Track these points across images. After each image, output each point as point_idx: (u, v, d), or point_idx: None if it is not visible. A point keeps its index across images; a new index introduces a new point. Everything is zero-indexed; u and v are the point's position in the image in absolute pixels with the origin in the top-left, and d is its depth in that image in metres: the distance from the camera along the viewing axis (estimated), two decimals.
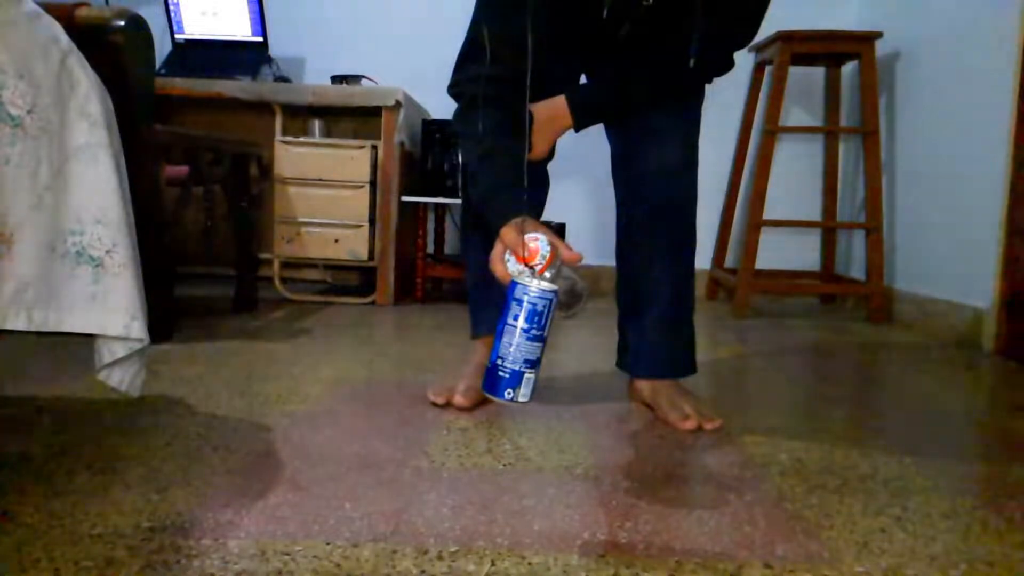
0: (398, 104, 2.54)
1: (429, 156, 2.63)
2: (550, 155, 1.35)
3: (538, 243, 1.07)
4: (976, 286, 2.17)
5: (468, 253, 1.46)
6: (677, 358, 1.39)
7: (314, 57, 3.11)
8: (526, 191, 1.13)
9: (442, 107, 2.83)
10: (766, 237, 2.75)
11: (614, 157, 1.44)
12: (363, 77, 2.76)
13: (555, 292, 1.02)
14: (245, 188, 2.33)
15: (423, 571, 0.77)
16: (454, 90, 1.30)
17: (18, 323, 1.06)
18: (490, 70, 1.21)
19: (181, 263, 2.33)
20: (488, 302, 1.39)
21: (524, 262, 1.07)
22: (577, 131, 1.31)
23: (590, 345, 2.03)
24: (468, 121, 1.24)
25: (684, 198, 1.38)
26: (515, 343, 1.01)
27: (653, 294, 1.38)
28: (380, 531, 0.85)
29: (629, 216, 1.41)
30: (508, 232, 1.11)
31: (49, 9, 1.13)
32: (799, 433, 1.29)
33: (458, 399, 1.35)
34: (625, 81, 1.29)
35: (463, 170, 1.44)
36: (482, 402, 1.35)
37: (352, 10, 3.14)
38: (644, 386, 1.39)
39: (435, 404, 1.36)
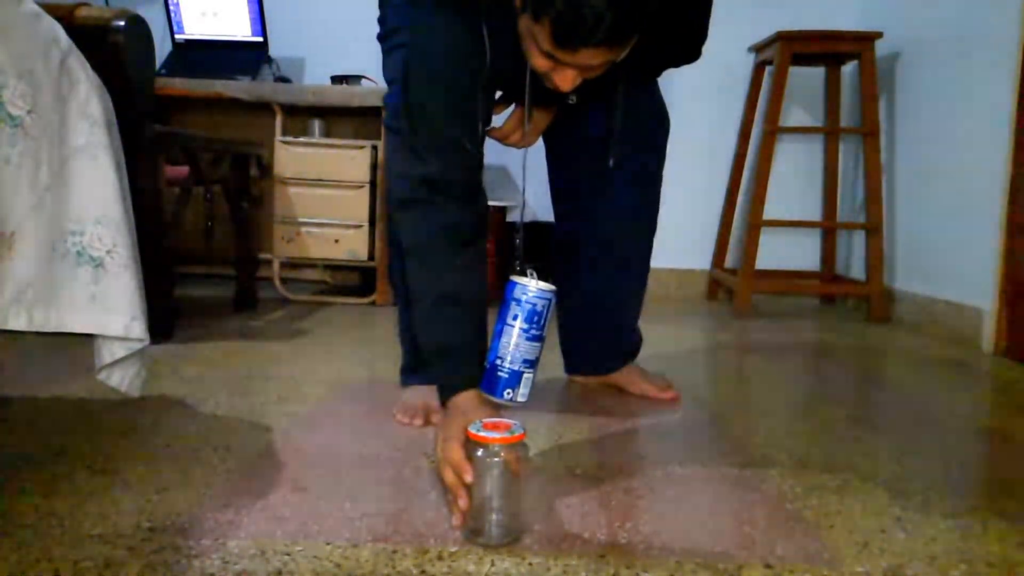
0: None
1: None
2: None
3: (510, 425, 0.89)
4: (976, 286, 2.17)
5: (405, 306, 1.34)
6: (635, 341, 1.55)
7: (314, 57, 3.11)
8: (482, 350, 1.06)
9: None
10: (766, 237, 2.75)
11: (560, 165, 1.47)
12: (363, 77, 2.76)
13: (554, 292, 1.02)
14: (245, 188, 2.33)
15: (423, 571, 0.77)
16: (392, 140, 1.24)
17: (19, 323, 1.06)
18: (427, 172, 1.10)
19: (181, 263, 2.33)
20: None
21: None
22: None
23: None
24: (413, 222, 1.14)
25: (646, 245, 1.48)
26: (514, 343, 1.01)
27: (611, 302, 1.47)
28: (380, 531, 0.85)
29: (584, 242, 1.46)
30: (454, 448, 0.91)
31: (49, 9, 1.13)
32: (799, 433, 1.29)
33: (437, 418, 1.19)
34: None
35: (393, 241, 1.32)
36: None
37: (352, 10, 3.13)
38: (619, 375, 1.50)
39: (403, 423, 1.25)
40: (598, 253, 1.45)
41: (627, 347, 1.54)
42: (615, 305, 1.50)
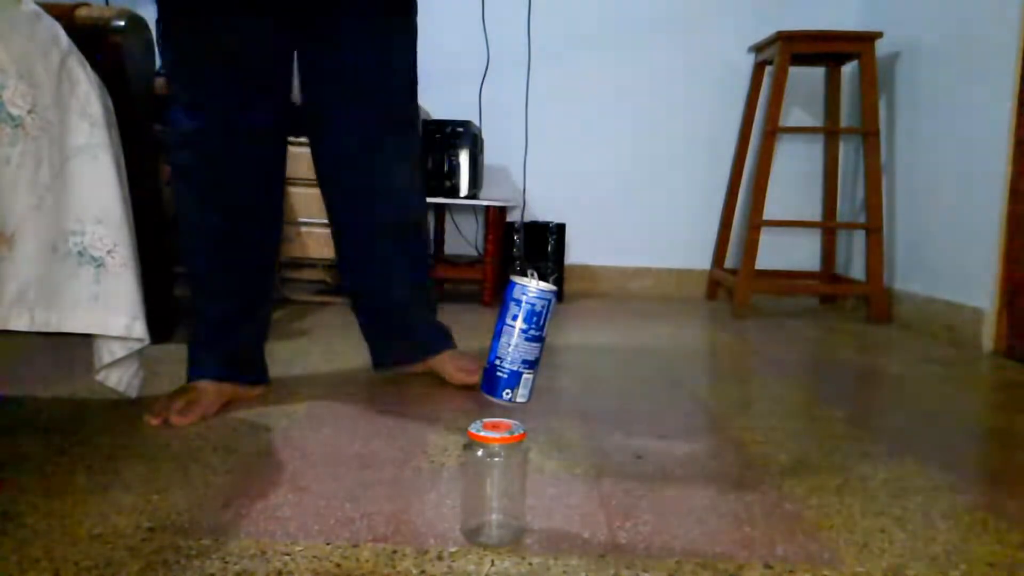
0: None
1: (429, 156, 2.63)
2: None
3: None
4: (976, 286, 2.17)
5: (196, 254, 1.34)
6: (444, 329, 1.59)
7: None
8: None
9: (442, 107, 2.83)
10: (766, 237, 2.75)
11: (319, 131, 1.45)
12: None
13: (554, 292, 1.02)
14: None
15: (423, 571, 0.77)
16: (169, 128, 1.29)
17: (20, 323, 1.06)
18: (195, 124, 1.24)
19: (181, 263, 2.33)
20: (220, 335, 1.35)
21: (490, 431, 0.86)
22: None
23: (590, 344, 2.03)
24: (184, 193, 1.29)
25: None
26: (514, 343, 1.00)
27: (402, 291, 1.52)
28: (380, 531, 0.85)
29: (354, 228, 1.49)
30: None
31: (49, 9, 1.13)
32: (799, 433, 1.29)
33: (175, 419, 1.21)
34: None
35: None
36: (481, 403, 1.35)
37: None
38: (435, 361, 1.54)
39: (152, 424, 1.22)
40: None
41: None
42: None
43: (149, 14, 1.98)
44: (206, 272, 1.33)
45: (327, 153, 1.43)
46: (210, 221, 1.30)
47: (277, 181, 1.39)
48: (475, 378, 1.44)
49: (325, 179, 1.46)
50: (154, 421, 1.21)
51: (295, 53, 1.35)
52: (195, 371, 1.32)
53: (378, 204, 1.44)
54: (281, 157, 1.38)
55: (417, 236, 1.52)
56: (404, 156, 1.45)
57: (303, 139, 2.57)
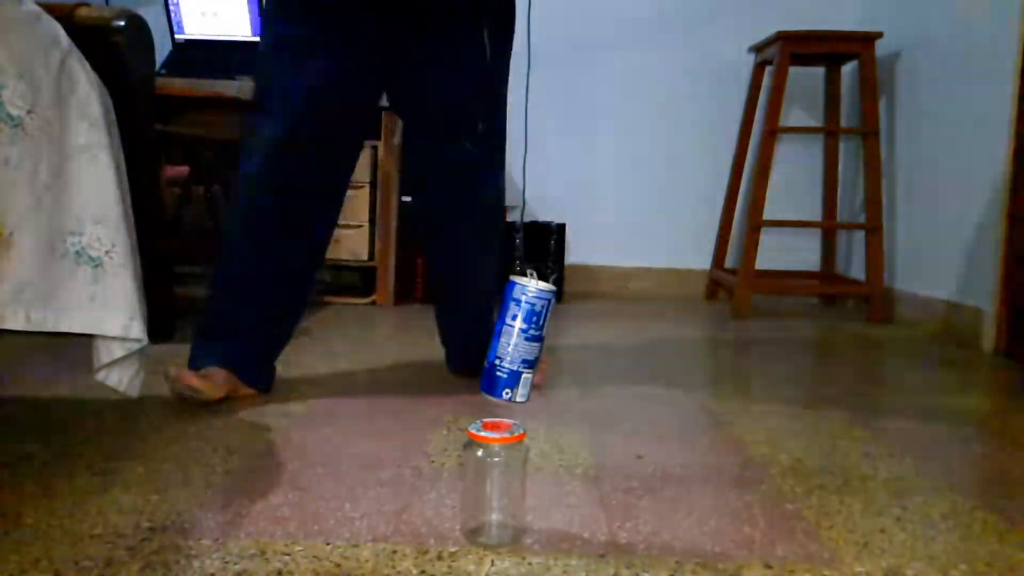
0: None
1: None
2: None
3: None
4: (976, 286, 2.17)
5: (232, 261, 1.38)
6: None
7: None
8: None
9: None
10: (766, 237, 2.75)
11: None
12: None
13: (553, 292, 1.02)
14: None
15: (423, 571, 0.77)
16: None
17: (17, 323, 1.06)
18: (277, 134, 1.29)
19: (181, 263, 2.33)
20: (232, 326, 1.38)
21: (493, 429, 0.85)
22: None
23: (591, 344, 2.03)
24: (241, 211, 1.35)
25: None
26: (513, 343, 1.00)
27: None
28: (380, 531, 0.85)
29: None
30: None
31: (49, 9, 1.13)
32: (799, 433, 1.29)
33: (196, 380, 1.28)
34: None
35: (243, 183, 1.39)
36: (481, 403, 1.35)
37: None
38: None
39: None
40: None
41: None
42: None
43: (149, 14, 1.98)
44: (251, 273, 1.36)
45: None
46: (268, 226, 1.34)
47: (339, 200, 1.42)
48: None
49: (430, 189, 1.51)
50: (173, 371, 1.28)
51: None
52: (205, 357, 1.35)
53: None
54: (349, 174, 1.42)
55: (494, 247, 1.57)
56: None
57: None
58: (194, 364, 1.34)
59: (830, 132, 2.97)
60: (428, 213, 1.51)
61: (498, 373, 1.02)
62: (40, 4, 1.12)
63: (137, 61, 1.69)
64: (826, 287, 2.95)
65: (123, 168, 1.20)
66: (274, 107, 1.30)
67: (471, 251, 1.52)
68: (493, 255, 1.57)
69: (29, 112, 1.04)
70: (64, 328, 1.10)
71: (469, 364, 1.53)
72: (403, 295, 2.72)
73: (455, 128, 1.39)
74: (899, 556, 0.84)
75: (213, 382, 1.30)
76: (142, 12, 1.75)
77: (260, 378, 1.40)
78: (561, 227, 2.77)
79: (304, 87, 1.28)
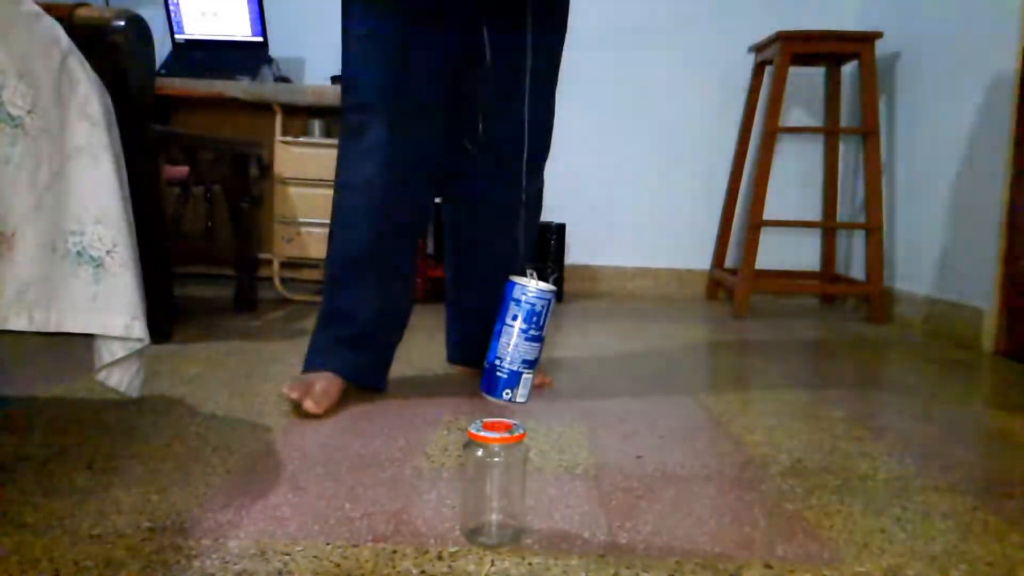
0: None
1: None
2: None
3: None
4: (976, 286, 2.17)
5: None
6: None
7: (314, 57, 3.11)
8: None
9: None
10: (766, 237, 2.75)
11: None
12: None
13: (553, 292, 1.02)
14: (245, 188, 2.33)
15: (423, 571, 0.77)
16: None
17: (19, 323, 1.06)
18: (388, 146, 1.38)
19: (181, 263, 2.33)
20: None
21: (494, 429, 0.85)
22: None
23: (590, 344, 2.03)
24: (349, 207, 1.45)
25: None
26: (513, 343, 1.01)
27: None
28: (380, 531, 0.85)
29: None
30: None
31: (49, 9, 1.13)
32: (799, 433, 1.29)
33: (309, 404, 1.27)
34: None
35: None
36: (481, 403, 1.35)
37: None
38: None
39: (291, 398, 1.29)
40: None
41: None
42: None
43: (149, 14, 1.98)
44: (363, 273, 1.39)
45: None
46: (377, 225, 1.39)
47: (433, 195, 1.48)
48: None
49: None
50: (293, 395, 1.28)
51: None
52: (322, 362, 1.37)
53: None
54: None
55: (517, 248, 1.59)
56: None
57: (303, 139, 2.56)
58: (314, 364, 1.38)
59: (830, 132, 2.97)
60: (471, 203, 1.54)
61: (498, 373, 1.02)
62: (40, 4, 1.12)
63: (137, 61, 1.69)
64: (826, 287, 2.95)
65: (123, 168, 1.20)
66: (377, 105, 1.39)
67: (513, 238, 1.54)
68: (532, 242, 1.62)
69: (29, 112, 1.04)
70: (67, 329, 1.10)
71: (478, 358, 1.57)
72: None
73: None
74: (899, 556, 0.84)
75: (329, 395, 1.31)
76: (142, 12, 1.76)
77: (377, 383, 1.44)
78: (561, 227, 2.77)
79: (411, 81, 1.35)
